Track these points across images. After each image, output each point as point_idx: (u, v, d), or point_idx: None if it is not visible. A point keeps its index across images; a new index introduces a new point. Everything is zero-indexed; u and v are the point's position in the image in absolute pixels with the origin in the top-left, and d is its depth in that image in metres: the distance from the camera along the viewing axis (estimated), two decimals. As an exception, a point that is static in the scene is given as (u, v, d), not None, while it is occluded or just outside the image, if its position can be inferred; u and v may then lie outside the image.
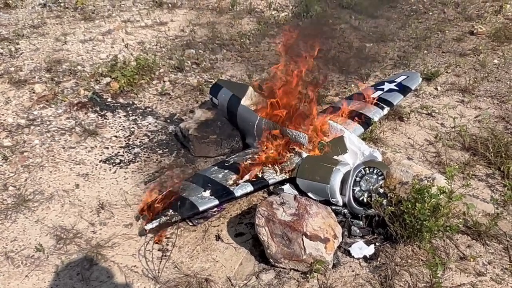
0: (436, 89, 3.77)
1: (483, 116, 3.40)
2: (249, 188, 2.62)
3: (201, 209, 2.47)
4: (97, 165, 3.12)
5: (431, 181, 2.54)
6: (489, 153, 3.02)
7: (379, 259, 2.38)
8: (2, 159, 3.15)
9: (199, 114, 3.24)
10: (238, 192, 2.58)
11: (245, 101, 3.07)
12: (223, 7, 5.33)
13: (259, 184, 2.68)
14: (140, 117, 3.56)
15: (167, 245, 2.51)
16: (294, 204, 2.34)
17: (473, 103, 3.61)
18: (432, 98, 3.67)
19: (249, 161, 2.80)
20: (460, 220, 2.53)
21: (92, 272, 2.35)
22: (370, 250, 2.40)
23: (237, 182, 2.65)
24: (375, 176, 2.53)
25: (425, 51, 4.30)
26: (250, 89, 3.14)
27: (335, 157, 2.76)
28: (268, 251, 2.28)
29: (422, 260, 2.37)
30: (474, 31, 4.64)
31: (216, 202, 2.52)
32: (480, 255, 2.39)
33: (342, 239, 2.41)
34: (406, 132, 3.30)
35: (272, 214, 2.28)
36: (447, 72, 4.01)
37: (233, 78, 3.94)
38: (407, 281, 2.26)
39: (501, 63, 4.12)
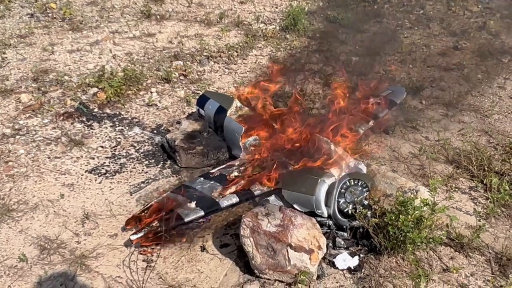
0: (421, 102, 3.82)
1: (466, 130, 3.44)
2: (235, 199, 2.62)
3: (186, 220, 2.46)
4: (82, 175, 3.10)
5: (415, 193, 2.59)
6: (472, 166, 3.06)
7: (363, 270, 2.40)
8: (-15, 169, 3.11)
9: (186, 125, 3.26)
10: (223, 203, 2.58)
11: (231, 113, 3.08)
12: (211, 20, 5.36)
13: (245, 195, 2.68)
14: (127, 127, 3.56)
15: (152, 255, 2.50)
16: (279, 215, 2.34)
17: (457, 117, 3.66)
18: (417, 112, 3.70)
19: (235, 173, 2.80)
20: (443, 232, 2.56)
21: (75, 282, 2.34)
22: (354, 261, 2.41)
23: (223, 193, 2.65)
24: (359, 188, 2.55)
25: (410, 65, 4.34)
26: (236, 101, 3.17)
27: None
28: (253, 262, 2.28)
29: (405, 271, 2.39)
30: (459, 46, 4.71)
31: (202, 213, 2.51)
32: (463, 267, 2.42)
33: (327, 250, 2.42)
34: (391, 145, 3.34)
35: (257, 225, 2.28)
36: (431, 86, 4.05)
37: (220, 90, 3.97)
38: (389, 291, 2.27)
39: (485, 78, 4.16)
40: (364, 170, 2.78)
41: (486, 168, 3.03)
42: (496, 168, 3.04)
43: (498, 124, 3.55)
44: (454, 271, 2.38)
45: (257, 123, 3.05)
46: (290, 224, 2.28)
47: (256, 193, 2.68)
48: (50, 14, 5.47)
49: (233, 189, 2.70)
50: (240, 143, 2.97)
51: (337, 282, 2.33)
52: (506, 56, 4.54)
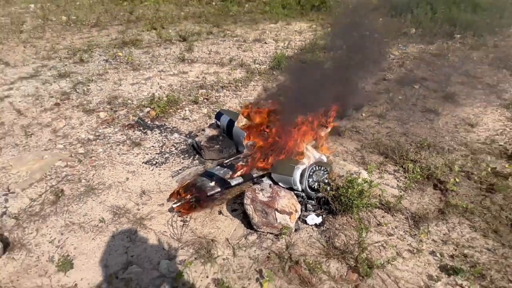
0: (362, 115, 3.86)
1: (391, 133, 3.51)
2: (240, 180, 2.70)
3: (208, 194, 2.56)
4: (140, 165, 3.18)
5: (358, 174, 2.68)
6: (396, 156, 3.12)
7: (324, 225, 2.48)
8: (78, 162, 3.22)
9: (208, 132, 3.30)
10: (233, 182, 2.66)
11: (237, 124, 3.12)
12: (224, 62, 5.41)
13: (247, 177, 2.75)
14: (169, 133, 3.64)
15: (186, 217, 2.57)
16: (269, 190, 2.43)
17: (385, 124, 3.70)
18: (359, 121, 3.75)
19: (241, 163, 2.83)
20: (377, 200, 2.65)
21: (136, 236, 2.43)
22: (319, 219, 2.50)
23: (232, 176, 2.71)
24: (322, 172, 2.63)
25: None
26: (241, 115, 3.20)
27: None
28: (253, 221, 2.37)
29: (352, 226, 2.46)
30: (386, 78, 4.81)
31: (219, 189, 2.60)
32: (390, 222, 2.51)
33: (301, 213, 2.50)
34: (342, 143, 3.39)
35: (255, 197, 2.37)
36: (369, 104, 4.08)
37: (230, 108, 4.00)
38: (343, 240, 2.35)
39: (403, 99, 4.21)
40: (325, 160, 2.86)
41: (404, 158, 3.09)
42: (411, 158, 3.10)
43: (412, 129, 3.58)
44: (384, 225, 2.47)
45: (253, 131, 3.05)
46: (276, 195, 2.37)
47: (254, 175, 2.76)
48: (118, 60, 5.57)
49: (239, 173, 2.74)
50: (244, 144, 3.01)
51: (308, 234, 2.42)
52: (417, 84, 4.58)
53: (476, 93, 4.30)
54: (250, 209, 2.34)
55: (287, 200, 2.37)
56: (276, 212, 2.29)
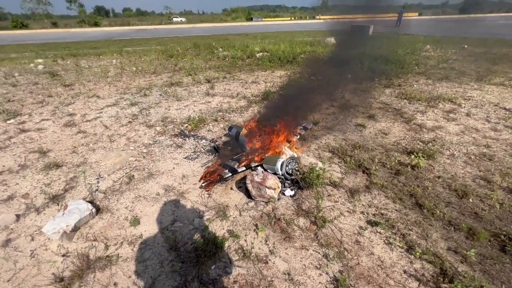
0: (318, 128, 3.79)
1: (335, 139, 3.46)
2: (244, 168, 2.65)
3: (225, 177, 2.53)
4: (182, 159, 3.12)
5: (316, 165, 2.66)
6: (339, 153, 3.10)
7: (296, 196, 2.45)
8: (143, 157, 3.16)
9: (224, 139, 3.30)
10: (239, 170, 2.61)
11: (242, 133, 3.10)
12: (233, 95, 5.33)
13: (248, 167, 2.69)
14: (199, 140, 3.58)
15: (210, 192, 2.54)
16: (261, 174, 2.40)
17: (332, 133, 3.63)
18: (316, 132, 3.69)
19: (244, 158, 2.79)
20: (327, 180, 2.62)
21: (179, 202, 2.40)
22: (292, 192, 2.48)
23: (239, 166, 2.67)
24: (294, 163, 2.62)
25: (314, 114, 4.30)
26: (244, 128, 3.21)
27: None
28: (251, 193, 2.35)
29: (313, 196, 2.43)
30: (333, 105, 4.74)
31: (230, 174, 2.57)
32: (336, 194, 2.48)
33: (281, 188, 2.48)
34: (307, 145, 3.34)
35: (253, 179, 2.35)
36: (323, 121, 4.00)
37: (238, 124, 3.94)
38: (307, 205, 2.33)
39: (343, 118, 4.12)
40: (296, 155, 2.83)
41: (344, 154, 3.07)
42: (349, 154, 3.07)
43: (349, 136, 3.53)
44: (333, 196, 2.44)
45: (251, 138, 3.02)
46: (266, 178, 2.34)
47: (253, 165, 2.70)
48: (167, 94, 5.48)
49: (243, 164, 2.70)
50: (246, 146, 3.00)
51: (285, 201, 2.38)
52: (351, 108, 4.50)
53: (388, 114, 4.28)
54: (250, 186, 2.32)
55: (273, 181, 2.35)
56: (266, 188, 2.28)
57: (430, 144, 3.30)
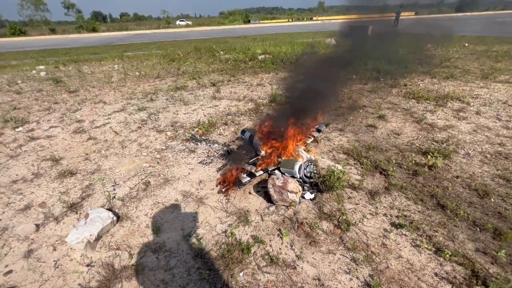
0: (329, 129, 3.79)
1: (349, 140, 3.47)
2: (261, 172, 2.64)
3: (243, 181, 2.50)
4: (196, 164, 3.10)
5: (335, 167, 2.64)
6: (354, 155, 3.08)
7: (316, 199, 2.43)
8: (156, 163, 3.13)
9: (237, 143, 3.27)
10: (257, 174, 2.60)
11: (256, 137, 3.09)
12: (240, 98, 5.29)
13: (265, 171, 2.69)
14: (212, 144, 3.55)
15: (229, 196, 2.52)
16: (282, 178, 2.38)
17: (345, 135, 3.63)
18: (328, 134, 3.67)
19: (260, 162, 2.78)
20: (346, 182, 2.59)
21: (199, 209, 2.38)
22: (312, 196, 2.45)
23: (256, 170, 2.66)
24: (312, 166, 2.60)
25: (323, 116, 4.29)
26: (257, 132, 3.19)
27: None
28: (273, 198, 2.32)
29: (333, 199, 2.41)
30: (340, 106, 4.75)
31: (248, 179, 2.54)
32: (356, 196, 2.46)
33: (301, 192, 2.45)
34: (320, 147, 3.32)
35: (274, 183, 2.33)
36: (333, 123, 3.98)
37: (249, 127, 3.93)
38: (328, 208, 2.31)
39: (353, 119, 4.15)
40: (313, 158, 2.83)
41: (360, 156, 3.05)
42: (364, 155, 3.06)
43: (363, 138, 3.51)
44: (353, 198, 2.42)
45: (265, 141, 3.01)
46: (287, 182, 2.32)
47: (269, 169, 2.69)
48: (174, 99, 5.45)
49: (260, 168, 2.70)
50: (260, 149, 2.98)
51: (306, 205, 2.37)
52: (361, 109, 4.51)
53: (397, 114, 4.28)
54: (272, 191, 2.30)
55: (294, 184, 2.33)
56: (288, 192, 2.26)
57: (445, 144, 3.29)
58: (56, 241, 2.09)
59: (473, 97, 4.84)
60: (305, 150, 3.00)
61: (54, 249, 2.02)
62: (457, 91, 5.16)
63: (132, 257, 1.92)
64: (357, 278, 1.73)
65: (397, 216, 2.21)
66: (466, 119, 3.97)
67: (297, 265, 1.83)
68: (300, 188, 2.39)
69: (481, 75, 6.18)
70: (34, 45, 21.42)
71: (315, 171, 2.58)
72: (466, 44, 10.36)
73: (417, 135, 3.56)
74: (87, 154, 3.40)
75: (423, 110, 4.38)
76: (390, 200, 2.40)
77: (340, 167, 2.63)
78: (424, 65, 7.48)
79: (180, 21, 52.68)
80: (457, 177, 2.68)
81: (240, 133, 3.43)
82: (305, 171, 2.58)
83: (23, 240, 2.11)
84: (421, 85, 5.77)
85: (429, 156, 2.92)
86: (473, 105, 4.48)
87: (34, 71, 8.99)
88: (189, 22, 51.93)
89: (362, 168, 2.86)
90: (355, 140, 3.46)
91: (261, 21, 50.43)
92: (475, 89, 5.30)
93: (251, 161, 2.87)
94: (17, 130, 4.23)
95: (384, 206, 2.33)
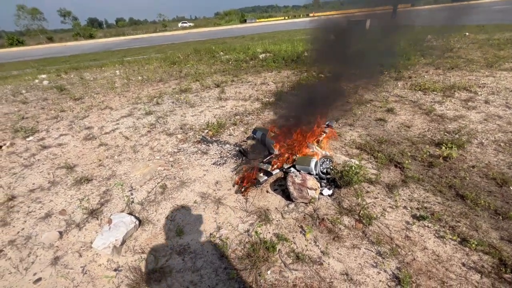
0: (338, 125, 3.78)
1: (360, 134, 3.46)
2: (277, 171, 2.64)
3: (261, 181, 2.52)
4: (210, 166, 3.10)
5: (350, 162, 2.64)
6: (367, 149, 3.09)
7: (334, 195, 2.44)
8: (171, 166, 3.13)
9: (250, 142, 3.29)
10: (273, 172, 2.61)
11: (268, 136, 3.09)
12: (246, 98, 5.30)
13: (280, 169, 2.68)
14: (223, 145, 3.55)
15: (247, 196, 2.53)
16: (300, 176, 2.38)
17: (355, 130, 3.62)
18: (338, 129, 3.66)
19: (275, 160, 2.75)
20: (364, 177, 2.58)
21: (219, 210, 2.38)
22: (330, 192, 2.45)
23: (272, 168, 2.65)
24: (328, 161, 2.61)
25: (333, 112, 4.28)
26: (270, 131, 3.17)
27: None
28: (292, 195, 2.32)
29: (351, 194, 2.42)
30: (347, 101, 4.73)
31: (266, 177, 2.56)
32: (374, 190, 2.46)
33: (320, 188, 2.45)
34: (332, 143, 3.31)
35: (293, 181, 2.33)
36: (342, 118, 3.99)
37: (260, 125, 3.92)
38: (347, 203, 2.32)
39: (361, 114, 4.13)
40: (328, 154, 2.84)
41: (373, 150, 3.05)
42: (377, 149, 3.05)
43: (374, 132, 3.51)
44: (371, 192, 2.42)
45: (278, 140, 3.01)
46: (306, 179, 2.32)
47: (285, 167, 2.69)
48: (180, 101, 5.44)
49: (275, 166, 2.68)
50: (274, 147, 2.98)
51: (325, 201, 2.37)
52: (369, 103, 4.49)
53: (405, 107, 4.27)
54: (291, 188, 2.30)
55: (312, 181, 2.33)
56: (308, 189, 2.27)
57: (457, 134, 3.28)
58: (81, 247, 2.11)
59: (480, 86, 4.82)
60: (319, 147, 2.99)
61: (80, 255, 2.03)
62: (463, 81, 5.15)
63: (158, 260, 1.93)
64: (385, 271, 1.73)
65: (417, 208, 2.21)
66: (476, 109, 3.96)
67: (324, 261, 1.83)
68: (319, 185, 2.39)
69: (486, 63, 6.16)
70: (33, 55, 21.48)
71: (331, 167, 2.58)
72: (467, 34, 10.32)
73: (428, 127, 3.56)
74: (100, 160, 3.41)
75: (431, 101, 4.37)
76: (409, 193, 2.40)
77: (356, 162, 2.63)
78: (426, 56, 7.44)
79: (182, 23, 52.78)
80: (473, 166, 2.67)
81: (251, 133, 3.43)
82: (321, 167, 2.58)
83: (48, 248, 2.12)
84: (426, 76, 5.75)
85: (443, 147, 2.91)
86: (481, 94, 4.46)
87: (36, 80, 9.02)
88: (191, 24, 51.95)
89: (376, 162, 2.86)
90: (366, 135, 3.45)
91: (257, 20, 50.33)
92: (481, 78, 5.29)
93: (265, 159, 2.86)
94: (28, 139, 4.25)
95: (403, 199, 2.33)
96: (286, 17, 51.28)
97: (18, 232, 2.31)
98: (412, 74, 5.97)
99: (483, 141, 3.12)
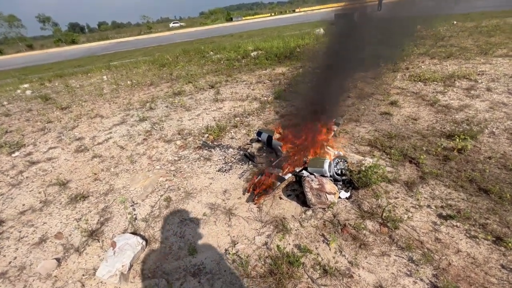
0: (344, 121, 3.65)
1: (368, 131, 3.34)
2: (289, 175, 2.50)
3: (274, 187, 2.38)
4: (215, 173, 2.93)
5: (365, 161, 2.52)
6: (377, 145, 2.97)
7: (352, 197, 2.31)
8: (173, 176, 2.94)
9: (255, 145, 3.14)
10: (285, 177, 2.46)
11: (274, 137, 2.96)
12: (243, 99, 5.13)
13: (292, 172, 2.54)
14: (226, 149, 3.39)
15: (260, 204, 2.36)
16: (316, 180, 2.23)
17: (361, 126, 3.52)
18: (344, 126, 3.55)
19: (285, 163, 2.62)
20: (383, 177, 2.43)
21: (231, 221, 2.22)
22: (348, 194, 2.33)
23: (284, 173, 2.50)
24: (342, 162, 2.47)
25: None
26: (275, 132, 3.05)
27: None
28: (310, 201, 2.18)
29: (370, 195, 2.30)
30: (349, 96, 4.61)
31: (279, 183, 2.42)
32: (393, 190, 2.35)
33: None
34: (340, 141, 3.20)
35: (311, 186, 2.18)
36: (347, 114, 3.87)
37: (264, 127, 3.77)
38: (367, 205, 2.20)
39: (365, 108, 4.04)
40: (341, 154, 2.70)
41: (384, 146, 2.94)
42: (387, 145, 2.95)
43: (381, 126, 3.42)
44: (390, 192, 2.31)
45: (286, 141, 2.90)
46: (323, 183, 2.18)
47: (297, 170, 2.54)
48: (174, 105, 5.22)
49: (287, 170, 2.53)
50: (281, 149, 2.85)
51: (343, 205, 2.24)
52: (372, 97, 4.40)
53: (408, 99, 4.19)
54: (309, 194, 2.14)
55: (330, 185, 2.19)
56: (326, 194, 2.12)
57: (466, 125, 3.20)
58: (83, 275, 1.89)
59: (479, 74, 4.79)
60: (332, 147, 2.86)
61: (83, 285, 1.82)
62: (461, 69, 5.11)
63: (171, 285, 1.75)
64: (421, 280, 1.60)
65: (442, 207, 2.10)
66: (479, 97, 3.90)
67: (353, 273, 1.69)
68: (336, 188, 2.25)
69: (480, 51, 6.16)
70: (13, 63, 20.59)
71: (346, 168, 2.44)
72: (455, 22, 10.39)
73: (435, 118, 3.47)
74: (95, 173, 3.17)
75: (433, 92, 4.30)
76: (429, 190, 2.29)
77: (372, 160, 2.50)
78: (419, 46, 7.42)
79: (173, 23, 51.68)
80: (490, 158, 2.59)
81: (255, 135, 3.27)
82: (335, 168, 2.44)
83: (45, 279, 1.90)
84: (423, 66, 5.70)
85: (457, 139, 2.82)
86: (482, 82, 4.42)
87: (19, 91, 8.55)
88: (183, 24, 51.01)
89: (390, 158, 2.74)
90: (374, 130, 3.34)
91: (243, 18, 49.90)
92: (478, 65, 5.26)
93: (274, 163, 2.71)
94: (13, 155, 3.94)
95: (425, 197, 2.22)
96: (273, 14, 51.08)
97: (10, 263, 2.08)
98: (409, 65, 5.91)
99: (494, 130, 3.04)
